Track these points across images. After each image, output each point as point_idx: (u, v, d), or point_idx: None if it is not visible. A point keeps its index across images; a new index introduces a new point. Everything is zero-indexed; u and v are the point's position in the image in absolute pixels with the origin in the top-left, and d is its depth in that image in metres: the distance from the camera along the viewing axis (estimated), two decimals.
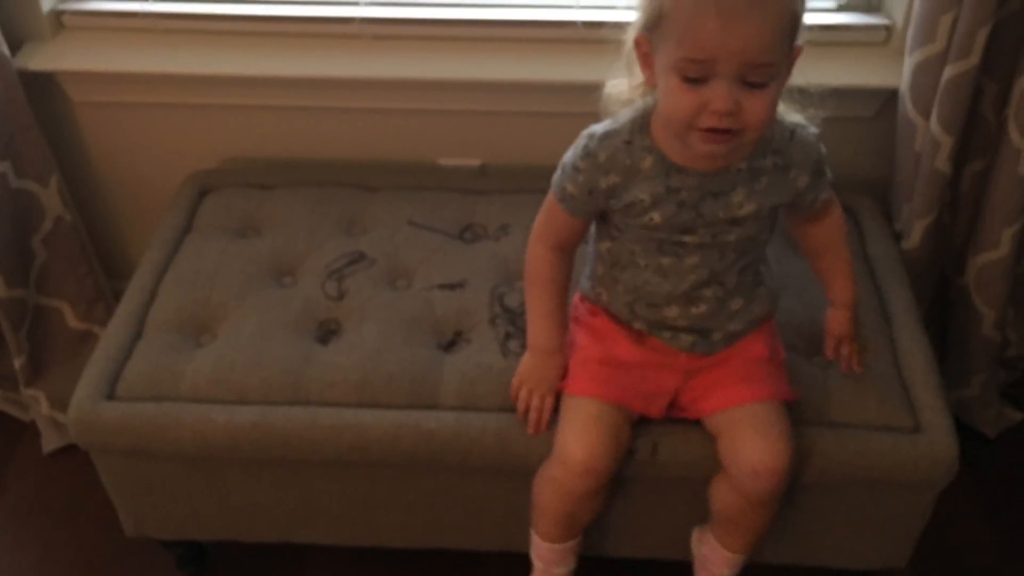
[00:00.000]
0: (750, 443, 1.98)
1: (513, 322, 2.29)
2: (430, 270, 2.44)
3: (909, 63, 2.43)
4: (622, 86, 2.01)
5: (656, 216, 1.92)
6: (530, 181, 2.66)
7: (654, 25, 1.76)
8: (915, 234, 2.57)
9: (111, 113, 2.83)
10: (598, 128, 1.99)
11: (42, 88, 2.71)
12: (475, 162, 2.87)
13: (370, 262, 2.45)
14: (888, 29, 2.63)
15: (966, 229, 2.66)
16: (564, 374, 2.09)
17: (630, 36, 1.86)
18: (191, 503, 2.33)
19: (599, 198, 1.96)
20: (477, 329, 2.30)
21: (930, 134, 2.42)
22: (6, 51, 2.48)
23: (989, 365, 2.81)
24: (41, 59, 2.65)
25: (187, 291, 2.38)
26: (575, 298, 2.19)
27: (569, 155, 2.00)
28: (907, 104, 2.48)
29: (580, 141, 2.00)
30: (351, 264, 2.44)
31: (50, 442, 2.91)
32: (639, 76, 1.91)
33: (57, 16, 2.72)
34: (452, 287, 2.39)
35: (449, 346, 2.29)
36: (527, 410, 2.08)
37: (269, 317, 2.31)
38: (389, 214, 2.60)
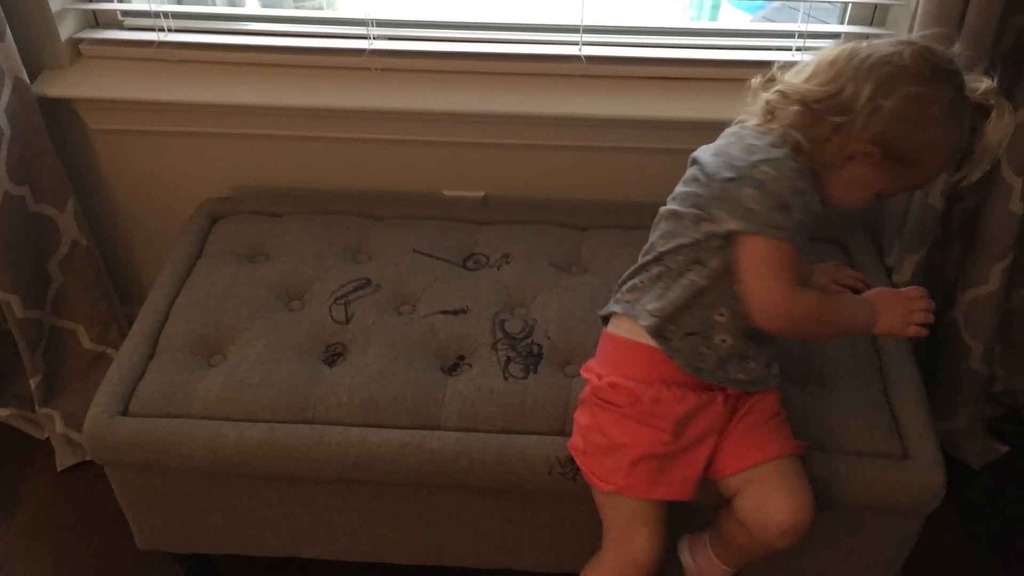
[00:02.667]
0: (776, 501, 2.00)
1: (514, 347, 2.33)
2: (434, 296, 2.48)
3: None
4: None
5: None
6: (531, 212, 2.74)
7: (894, 159, 1.94)
8: (906, 269, 2.59)
9: (126, 140, 2.86)
10: (770, 151, 1.96)
11: (60, 115, 2.74)
12: (479, 193, 2.90)
13: (375, 288, 2.49)
14: None
15: (956, 264, 2.68)
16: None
17: (857, 139, 1.93)
18: (201, 517, 2.37)
19: (814, 220, 1.97)
20: (479, 353, 2.34)
21: None
22: (25, 78, 2.53)
23: (976, 398, 2.83)
24: (59, 86, 2.69)
25: (198, 313, 2.42)
26: (601, 384, 2.09)
27: (776, 185, 1.90)
28: None
29: (774, 164, 1.92)
30: (357, 290, 2.48)
31: (64, 459, 2.94)
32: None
33: (75, 45, 2.77)
34: (455, 313, 2.43)
35: (452, 369, 2.33)
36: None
37: (277, 339, 2.35)
38: (394, 242, 2.63)
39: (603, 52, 2.71)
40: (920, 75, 1.89)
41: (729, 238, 1.92)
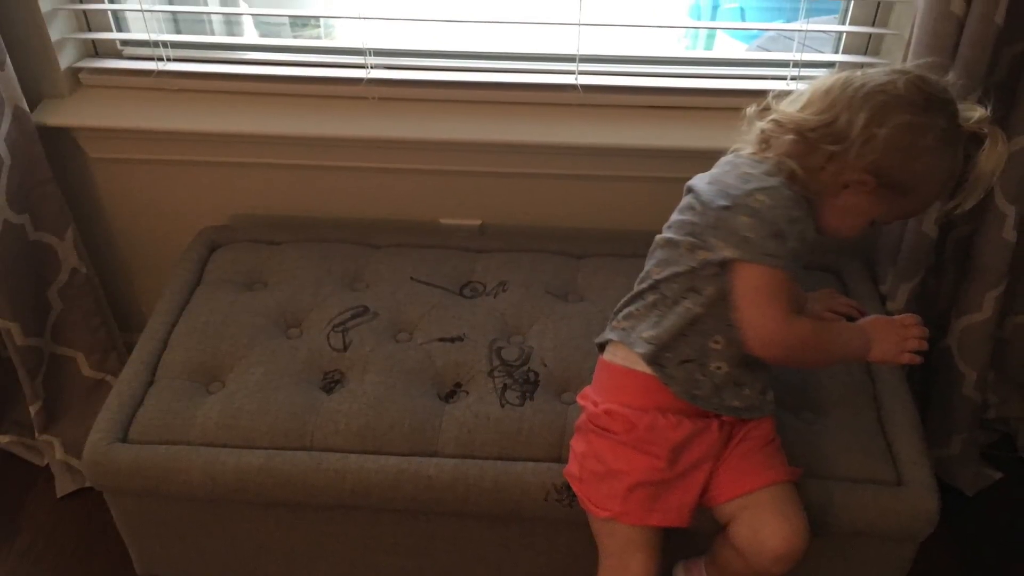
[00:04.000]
0: (771, 527, 2.00)
1: (510, 374, 2.34)
2: (431, 324, 2.49)
3: None
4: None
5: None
6: (527, 240, 2.75)
7: (889, 187, 1.97)
8: (900, 296, 2.60)
9: (126, 169, 2.88)
10: (765, 180, 1.98)
11: (60, 143, 2.75)
12: (475, 222, 2.91)
13: (373, 315, 2.51)
14: None
15: (950, 292, 2.68)
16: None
17: (851, 168, 1.96)
18: (200, 544, 2.39)
19: (809, 248, 2.00)
20: (475, 381, 2.35)
21: None
22: (25, 107, 2.55)
23: (969, 425, 2.82)
24: (59, 115, 2.71)
25: (197, 341, 2.44)
26: (597, 411, 2.09)
27: (771, 213, 1.92)
28: None
29: (769, 192, 1.95)
30: (355, 317, 2.50)
31: (64, 486, 2.94)
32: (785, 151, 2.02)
33: (75, 74, 2.79)
34: (452, 340, 2.44)
35: (449, 396, 2.34)
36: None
37: (275, 367, 2.36)
38: (392, 270, 2.65)
39: (599, 81, 2.72)
40: (914, 104, 1.91)
41: (724, 266, 1.94)
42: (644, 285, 2.09)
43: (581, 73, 2.71)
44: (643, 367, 2.04)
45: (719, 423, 2.06)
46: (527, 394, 2.31)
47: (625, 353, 2.08)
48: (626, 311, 2.12)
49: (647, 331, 2.04)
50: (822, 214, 2.02)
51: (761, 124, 2.07)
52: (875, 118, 1.91)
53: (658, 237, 2.11)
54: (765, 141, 2.05)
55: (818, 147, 1.96)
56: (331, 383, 2.36)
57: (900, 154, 1.92)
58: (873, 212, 2.01)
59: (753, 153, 2.06)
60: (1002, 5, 2.11)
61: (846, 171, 1.95)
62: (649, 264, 2.11)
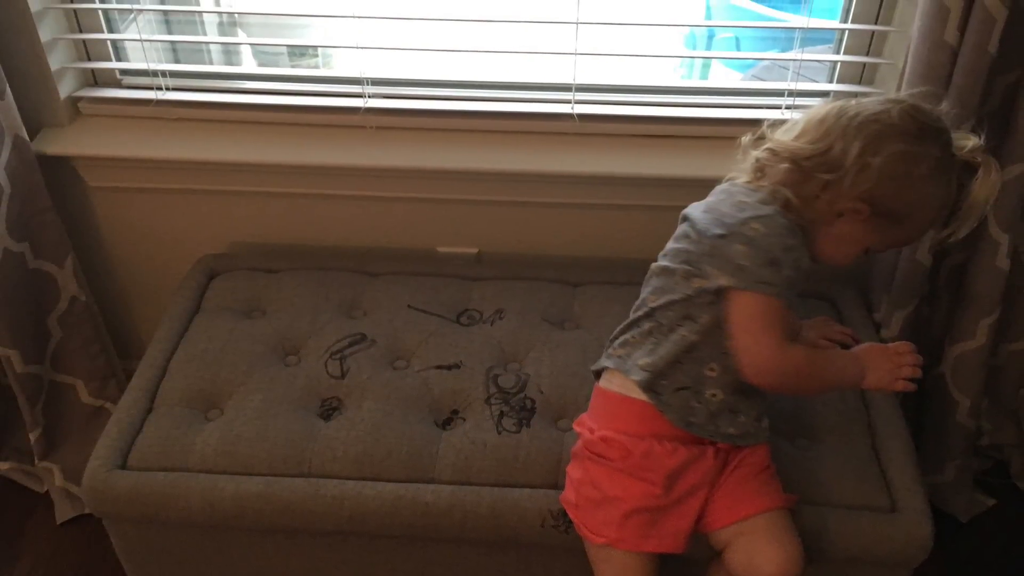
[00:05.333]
0: (766, 554, 2.01)
1: (507, 401, 2.35)
2: (428, 351, 2.50)
3: None
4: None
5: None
6: (524, 269, 2.77)
7: (883, 215, 1.98)
8: (894, 324, 2.61)
9: (125, 197, 2.89)
10: (760, 208, 1.99)
11: (59, 172, 2.77)
12: (472, 250, 2.92)
13: (371, 343, 2.52)
14: None
15: (944, 320, 2.69)
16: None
17: (846, 196, 1.97)
18: (199, 570, 2.40)
19: (804, 276, 2.00)
20: (473, 408, 2.36)
21: None
22: (25, 135, 2.56)
23: (963, 452, 2.84)
24: (58, 144, 2.72)
25: (196, 368, 2.45)
26: (593, 437, 2.10)
27: (765, 241, 1.94)
28: None
29: (764, 221, 1.96)
30: (353, 345, 2.51)
31: (63, 512, 2.95)
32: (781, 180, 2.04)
33: (74, 103, 2.80)
34: (449, 368, 2.45)
35: (446, 423, 2.35)
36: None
37: (274, 394, 2.37)
38: (389, 298, 2.66)
39: (595, 110, 2.74)
40: (908, 133, 1.93)
41: (719, 294, 1.95)
42: (640, 313, 2.10)
43: (577, 102, 2.73)
44: (639, 394, 2.05)
45: (715, 450, 2.07)
46: (524, 421, 2.32)
47: (621, 380, 2.09)
48: (622, 339, 2.13)
49: (643, 358, 2.05)
50: (817, 242, 2.03)
51: (756, 153, 2.08)
52: (869, 147, 1.92)
53: (654, 265, 2.12)
54: (760, 170, 2.07)
55: (813, 176, 1.97)
56: (329, 410, 2.37)
57: (894, 183, 1.93)
58: (867, 240, 2.02)
59: (748, 182, 2.08)
60: (995, 35, 2.13)
61: (841, 199, 1.96)
62: (645, 292, 2.12)
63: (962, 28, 2.17)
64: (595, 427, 2.11)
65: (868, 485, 2.22)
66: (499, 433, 2.29)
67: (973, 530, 2.94)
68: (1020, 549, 2.91)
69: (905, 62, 2.36)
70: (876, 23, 2.62)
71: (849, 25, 2.63)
